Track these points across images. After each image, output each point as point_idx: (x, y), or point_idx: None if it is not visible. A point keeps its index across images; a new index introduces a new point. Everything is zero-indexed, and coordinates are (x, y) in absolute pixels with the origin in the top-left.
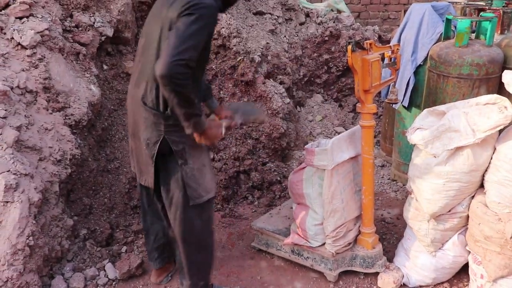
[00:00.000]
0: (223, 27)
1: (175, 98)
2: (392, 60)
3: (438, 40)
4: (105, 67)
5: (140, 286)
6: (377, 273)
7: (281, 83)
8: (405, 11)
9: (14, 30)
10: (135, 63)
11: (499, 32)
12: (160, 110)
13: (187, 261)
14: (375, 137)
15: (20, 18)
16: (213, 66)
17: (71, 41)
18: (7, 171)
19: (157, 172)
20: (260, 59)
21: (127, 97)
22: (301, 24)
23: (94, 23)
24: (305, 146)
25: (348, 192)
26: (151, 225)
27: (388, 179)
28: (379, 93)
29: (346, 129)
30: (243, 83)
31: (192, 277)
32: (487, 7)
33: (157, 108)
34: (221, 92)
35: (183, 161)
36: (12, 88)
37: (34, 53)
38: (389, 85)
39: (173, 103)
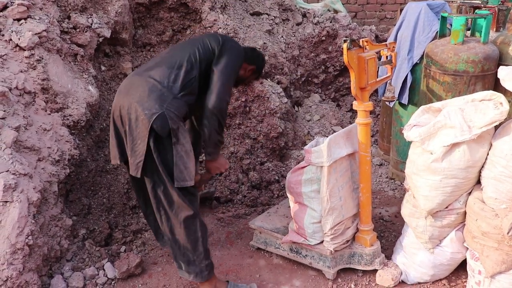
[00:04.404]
0: (220, 28)
1: (218, 126)
2: (388, 58)
3: (434, 38)
4: (102, 68)
5: (139, 285)
6: (375, 271)
7: (278, 83)
8: (401, 10)
9: (12, 31)
10: (151, 61)
11: (494, 29)
12: (173, 91)
13: (180, 246)
14: (373, 136)
15: (18, 19)
16: None
17: (69, 42)
18: (6, 171)
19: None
20: None
21: (125, 80)
22: (298, 24)
23: (91, 24)
24: (305, 148)
25: (346, 190)
26: (147, 207)
27: (386, 177)
28: (376, 91)
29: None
30: None
31: (190, 261)
32: (482, 5)
33: (171, 88)
34: None
35: (176, 140)
36: (10, 89)
37: (32, 54)
38: (386, 83)
39: (213, 129)
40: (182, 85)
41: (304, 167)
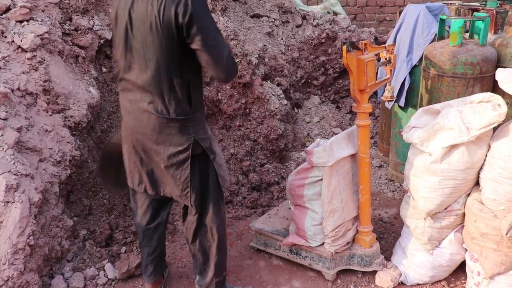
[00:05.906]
0: (220, 30)
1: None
2: (387, 60)
3: (433, 40)
4: (104, 69)
5: (140, 286)
6: (374, 272)
7: (278, 85)
8: (400, 12)
9: (14, 33)
10: (130, 73)
11: (492, 31)
12: (186, 115)
13: (210, 258)
14: (372, 137)
15: (21, 21)
16: None
17: (71, 44)
18: (8, 172)
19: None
20: (257, 61)
21: (128, 112)
22: (298, 26)
23: (93, 26)
24: (307, 149)
25: (347, 192)
26: (144, 238)
27: (386, 179)
28: (376, 93)
29: (343, 130)
30: (240, 85)
31: (214, 273)
32: (481, 8)
33: (183, 113)
34: (219, 94)
35: (214, 155)
36: (12, 90)
37: (34, 56)
38: (385, 85)
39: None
40: (189, 102)
41: (309, 169)
